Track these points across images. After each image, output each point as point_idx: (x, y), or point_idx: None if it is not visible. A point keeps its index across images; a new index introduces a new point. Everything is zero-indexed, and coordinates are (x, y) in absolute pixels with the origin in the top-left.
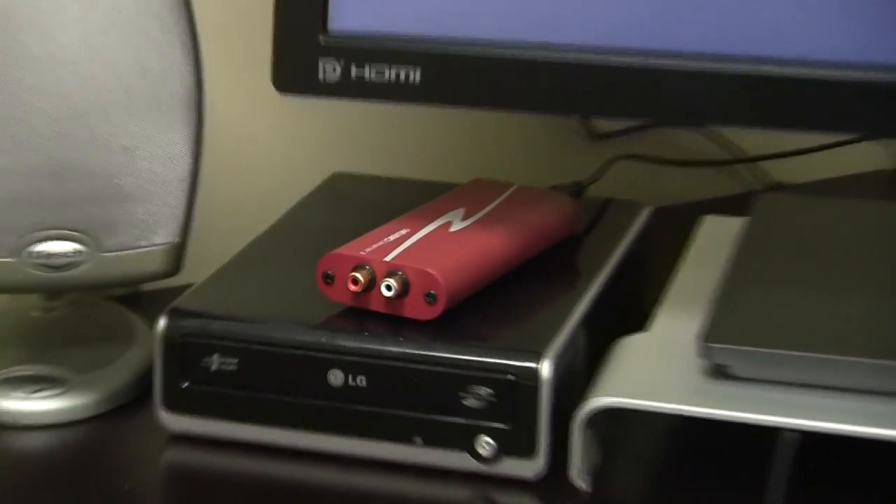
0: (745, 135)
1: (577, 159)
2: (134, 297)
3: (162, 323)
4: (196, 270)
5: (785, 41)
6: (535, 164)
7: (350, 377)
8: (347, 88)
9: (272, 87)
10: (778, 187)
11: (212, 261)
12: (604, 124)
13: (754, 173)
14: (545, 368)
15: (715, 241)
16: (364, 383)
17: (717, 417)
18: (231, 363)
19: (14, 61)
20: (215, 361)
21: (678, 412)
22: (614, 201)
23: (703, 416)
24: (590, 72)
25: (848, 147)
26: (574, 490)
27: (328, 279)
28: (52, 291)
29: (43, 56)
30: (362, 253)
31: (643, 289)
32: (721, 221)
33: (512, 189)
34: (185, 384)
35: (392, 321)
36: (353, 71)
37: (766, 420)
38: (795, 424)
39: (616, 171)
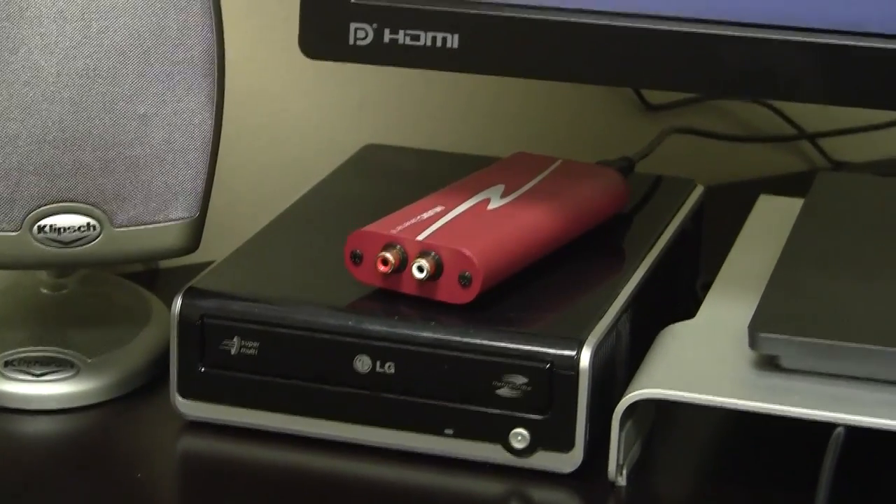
0: (806, 109)
1: (627, 132)
2: (150, 274)
3: (178, 303)
4: (216, 247)
5: (856, 11)
6: (581, 137)
7: (378, 364)
8: (380, 54)
9: (300, 51)
10: (840, 166)
11: (233, 237)
12: (656, 95)
13: (817, 150)
14: (584, 357)
15: (771, 222)
16: (392, 370)
17: (763, 412)
18: (251, 347)
19: (20, 19)
20: (235, 345)
21: (722, 405)
22: (666, 178)
23: (747, 409)
24: (642, 40)
25: None
26: (612, 485)
27: (356, 259)
28: (62, 268)
29: (49, 14)
30: (393, 231)
31: (694, 273)
32: (779, 201)
33: (556, 164)
34: (203, 368)
35: (424, 304)
36: (387, 35)
37: (816, 415)
38: (847, 420)
39: (668, 145)
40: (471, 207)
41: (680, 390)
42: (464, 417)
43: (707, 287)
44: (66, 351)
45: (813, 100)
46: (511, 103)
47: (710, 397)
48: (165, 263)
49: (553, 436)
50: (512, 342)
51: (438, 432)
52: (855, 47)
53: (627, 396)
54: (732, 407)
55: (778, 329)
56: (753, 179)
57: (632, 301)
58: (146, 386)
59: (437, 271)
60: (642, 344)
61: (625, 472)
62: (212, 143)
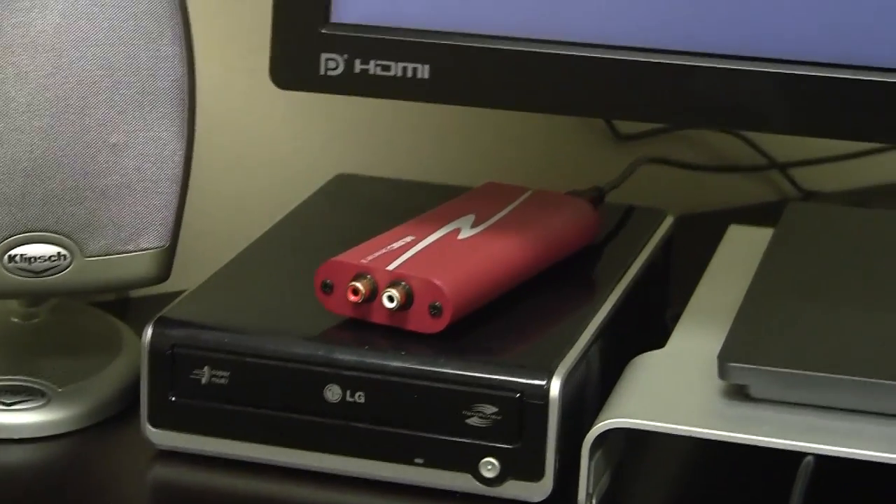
0: (777, 139)
1: (599, 162)
2: (121, 303)
3: (149, 332)
4: (188, 276)
5: (825, 43)
6: (552, 167)
7: (348, 393)
8: (350, 84)
9: (271, 81)
10: (811, 195)
11: (204, 266)
12: (628, 125)
13: (787, 180)
14: (554, 386)
15: (742, 252)
16: (363, 400)
17: (733, 441)
18: (222, 376)
19: None
20: (205, 374)
21: (691, 434)
22: (637, 208)
23: (717, 438)
24: (614, 70)
25: (888, 154)
26: None
27: (327, 288)
28: (33, 297)
29: (21, 43)
30: (363, 261)
31: (665, 303)
32: (749, 231)
33: (526, 194)
34: (173, 398)
35: (394, 334)
36: (357, 65)
37: (785, 445)
38: (816, 449)
39: (640, 175)
40: (441, 237)
41: (650, 420)
42: (434, 447)
43: (677, 317)
44: (36, 380)
45: (783, 131)
46: (482, 133)
47: (679, 427)
48: (137, 293)
49: (523, 465)
50: (482, 372)
51: (409, 461)
52: (825, 78)
53: (597, 426)
54: (702, 436)
55: (747, 359)
56: (724, 209)
57: (602, 331)
58: (117, 415)
59: (407, 301)
60: (612, 374)
61: (594, 501)
62: (183, 172)
